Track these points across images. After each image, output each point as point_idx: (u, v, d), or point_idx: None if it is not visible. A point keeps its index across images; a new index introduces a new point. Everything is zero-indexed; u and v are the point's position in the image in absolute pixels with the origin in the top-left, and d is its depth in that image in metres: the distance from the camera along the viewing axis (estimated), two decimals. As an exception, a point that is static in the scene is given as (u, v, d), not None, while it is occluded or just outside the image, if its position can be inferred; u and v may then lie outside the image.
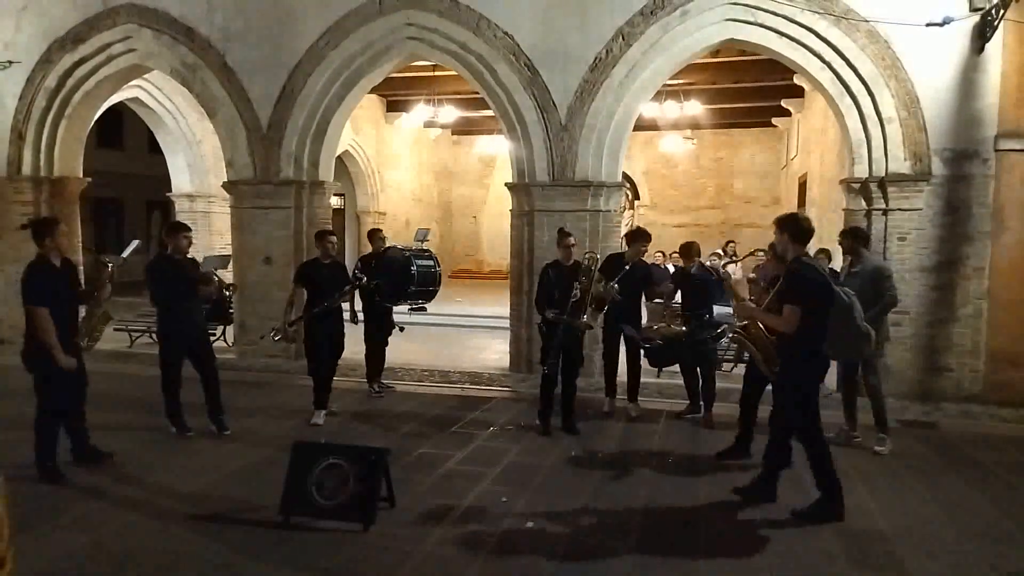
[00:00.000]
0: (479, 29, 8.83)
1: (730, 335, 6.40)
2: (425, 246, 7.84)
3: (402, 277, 7.33)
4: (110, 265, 5.66)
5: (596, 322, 6.80)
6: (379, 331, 7.85)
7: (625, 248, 7.37)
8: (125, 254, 5.91)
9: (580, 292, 6.27)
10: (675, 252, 12.71)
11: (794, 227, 4.70)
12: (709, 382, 7.00)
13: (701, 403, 7.07)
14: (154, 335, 10.84)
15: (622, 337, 7.18)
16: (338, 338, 6.93)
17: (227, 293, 7.19)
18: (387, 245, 7.90)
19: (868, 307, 6.07)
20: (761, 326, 5.02)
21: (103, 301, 5.52)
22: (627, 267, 6.74)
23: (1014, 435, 6.90)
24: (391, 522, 4.46)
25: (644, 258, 7.22)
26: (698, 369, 7.08)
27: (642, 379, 7.38)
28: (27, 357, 5.15)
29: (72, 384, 5.26)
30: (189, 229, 6.41)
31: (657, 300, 7.34)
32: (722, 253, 12.22)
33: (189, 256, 6.38)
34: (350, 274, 7.48)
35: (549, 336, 6.43)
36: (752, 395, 5.90)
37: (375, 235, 8.09)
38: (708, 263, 7.14)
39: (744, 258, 7.15)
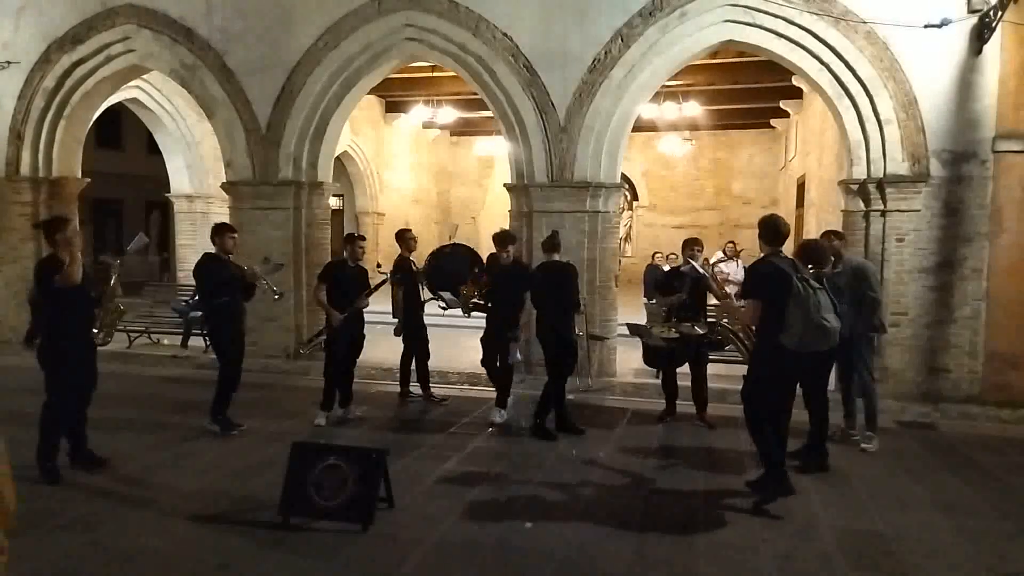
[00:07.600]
0: (478, 30, 8.83)
1: (717, 329, 6.50)
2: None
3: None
4: (117, 260, 5.73)
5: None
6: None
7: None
8: (130, 249, 6.03)
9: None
10: (673, 253, 12.73)
11: (763, 228, 5.04)
12: (701, 381, 6.93)
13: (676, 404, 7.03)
14: (150, 335, 11.06)
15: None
16: (359, 340, 7.03)
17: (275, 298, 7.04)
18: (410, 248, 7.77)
19: (852, 305, 6.07)
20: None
21: (115, 296, 5.55)
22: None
23: (1012, 436, 6.92)
24: (390, 523, 4.47)
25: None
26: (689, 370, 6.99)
27: (642, 380, 7.36)
28: (40, 353, 5.20)
29: (82, 382, 5.30)
30: (235, 230, 6.66)
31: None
32: (723, 254, 12.29)
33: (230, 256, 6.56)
34: (389, 273, 7.58)
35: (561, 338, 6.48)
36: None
37: (405, 235, 7.82)
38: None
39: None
